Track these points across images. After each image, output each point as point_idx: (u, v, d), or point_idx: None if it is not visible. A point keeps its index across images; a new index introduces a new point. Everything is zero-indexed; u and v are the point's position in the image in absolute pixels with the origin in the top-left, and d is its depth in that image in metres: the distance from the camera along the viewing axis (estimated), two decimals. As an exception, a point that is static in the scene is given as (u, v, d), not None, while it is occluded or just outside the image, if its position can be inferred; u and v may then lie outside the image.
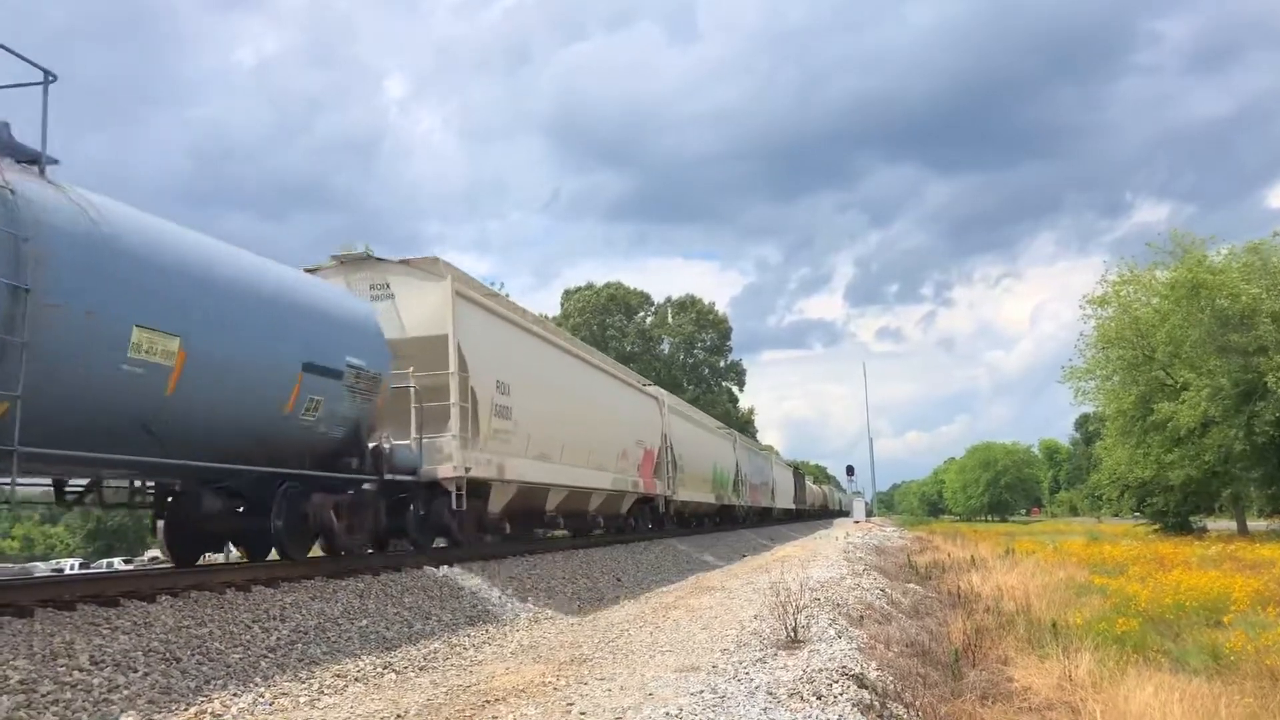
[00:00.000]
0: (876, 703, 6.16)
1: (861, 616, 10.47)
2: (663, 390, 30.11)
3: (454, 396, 13.46)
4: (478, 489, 14.53)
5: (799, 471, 76.90)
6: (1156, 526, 40.75)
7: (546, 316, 42.91)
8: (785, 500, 59.69)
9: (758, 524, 47.06)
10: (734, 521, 40.31)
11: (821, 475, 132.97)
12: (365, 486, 12.40)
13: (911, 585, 16.24)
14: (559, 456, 17.96)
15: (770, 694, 5.95)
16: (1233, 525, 39.51)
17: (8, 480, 7.04)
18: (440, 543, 15.11)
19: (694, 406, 41.34)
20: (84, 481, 10.12)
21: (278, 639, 8.26)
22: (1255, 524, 39.85)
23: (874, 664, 7.39)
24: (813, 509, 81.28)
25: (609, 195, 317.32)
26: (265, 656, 7.83)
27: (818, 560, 19.01)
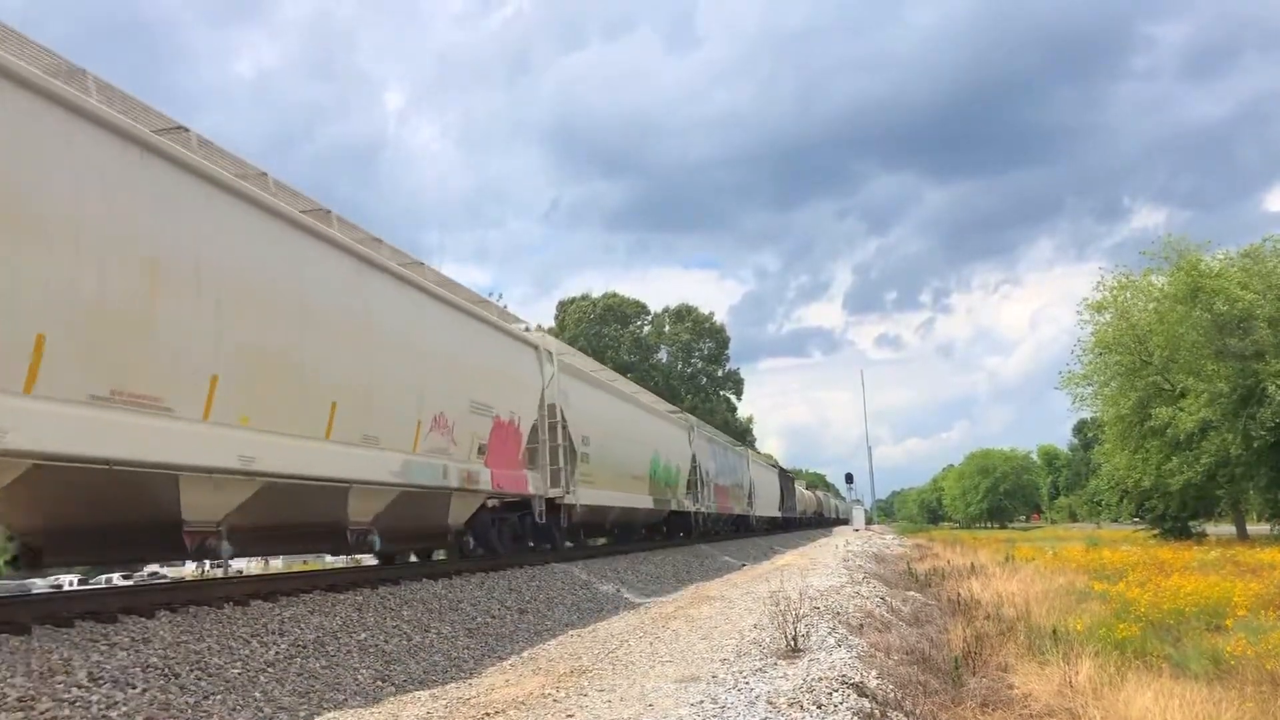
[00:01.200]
0: (877, 711, 6.15)
1: (861, 625, 10.45)
2: (553, 340, 19.91)
3: None
4: None
5: (787, 474, 67.25)
6: (1156, 531, 40.78)
7: (542, 327, 41.94)
8: (768, 507, 50.55)
9: (731, 536, 38.80)
10: (690, 533, 31.54)
11: (820, 483, 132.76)
12: None
13: (911, 593, 16.22)
14: (202, 408, 8.72)
15: (770, 704, 5.94)
16: (1232, 530, 39.54)
17: None
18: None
19: (624, 378, 30.54)
20: None
21: (276, 653, 8.24)
22: (1255, 528, 39.87)
23: (874, 672, 7.38)
24: (804, 517, 72.96)
25: (608, 203, 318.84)
26: (264, 671, 7.81)
27: (817, 569, 18.98)
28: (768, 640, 8.64)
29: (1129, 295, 36.33)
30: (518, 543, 17.74)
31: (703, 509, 32.20)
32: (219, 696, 7.02)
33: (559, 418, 18.09)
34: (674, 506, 28.15)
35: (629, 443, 23.68)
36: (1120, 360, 35.93)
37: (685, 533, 31.32)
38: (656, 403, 30.95)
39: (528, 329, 19.41)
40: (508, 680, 8.17)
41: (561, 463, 17.94)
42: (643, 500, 24.79)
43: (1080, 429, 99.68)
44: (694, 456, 31.50)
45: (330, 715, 7.06)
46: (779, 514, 55.13)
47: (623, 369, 54.47)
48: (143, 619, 7.93)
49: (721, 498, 36.35)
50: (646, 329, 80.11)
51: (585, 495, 19.54)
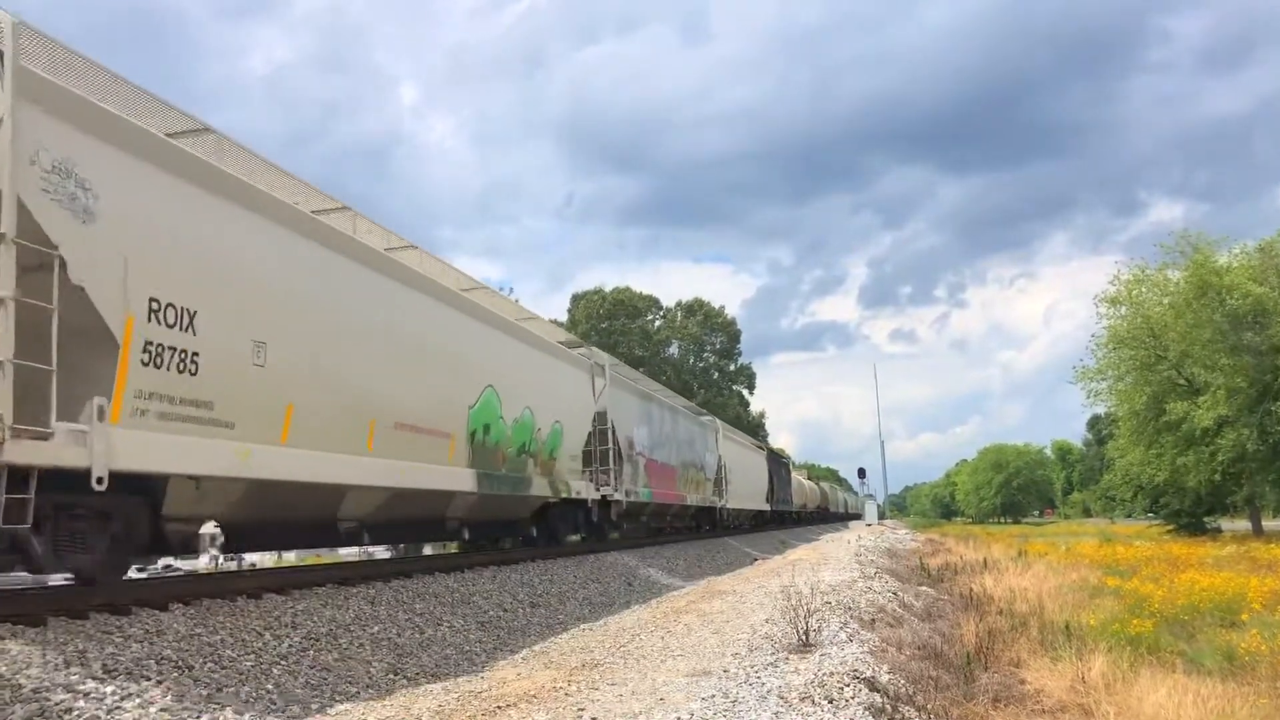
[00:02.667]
0: (888, 706, 6.14)
1: (873, 619, 10.43)
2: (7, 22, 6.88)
3: None
4: None
5: (780, 459, 55.97)
6: (1170, 527, 40.61)
7: (558, 323, 41.71)
8: (749, 497, 40.31)
9: (688, 536, 29.60)
10: (602, 535, 21.33)
11: (832, 477, 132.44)
12: None
13: (924, 588, 16.18)
14: None
15: (782, 698, 5.93)
16: (1247, 525, 39.33)
17: None
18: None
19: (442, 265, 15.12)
20: None
21: (289, 646, 8.28)
22: (1271, 524, 39.66)
23: (886, 667, 7.37)
24: (804, 512, 63.01)
25: (621, 199, 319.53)
26: (277, 663, 7.84)
27: (829, 564, 18.97)
28: (779, 635, 8.63)
29: (1144, 289, 36.13)
30: None
31: (619, 496, 20.86)
32: (232, 688, 7.06)
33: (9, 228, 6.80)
34: (545, 491, 16.82)
35: (397, 357, 11.92)
36: (1134, 355, 35.74)
37: (593, 534, 21.01)
38: (546, 334, 19.23)
39: None
40: (519, 673, 8.19)
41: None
42: (446, 477, 13.06)
43: (1094, 424, 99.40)
44: (604, 415, 20.50)
45: (343, 707, 7.08)
46: (767, 507, 45.17)
47: (634, 363, 54.24)
48: (156, 611, 7.98)
49: (662, 481, 25.24)
50: (658, 323, 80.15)
51: (152, 451, 8.00)
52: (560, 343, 19.96)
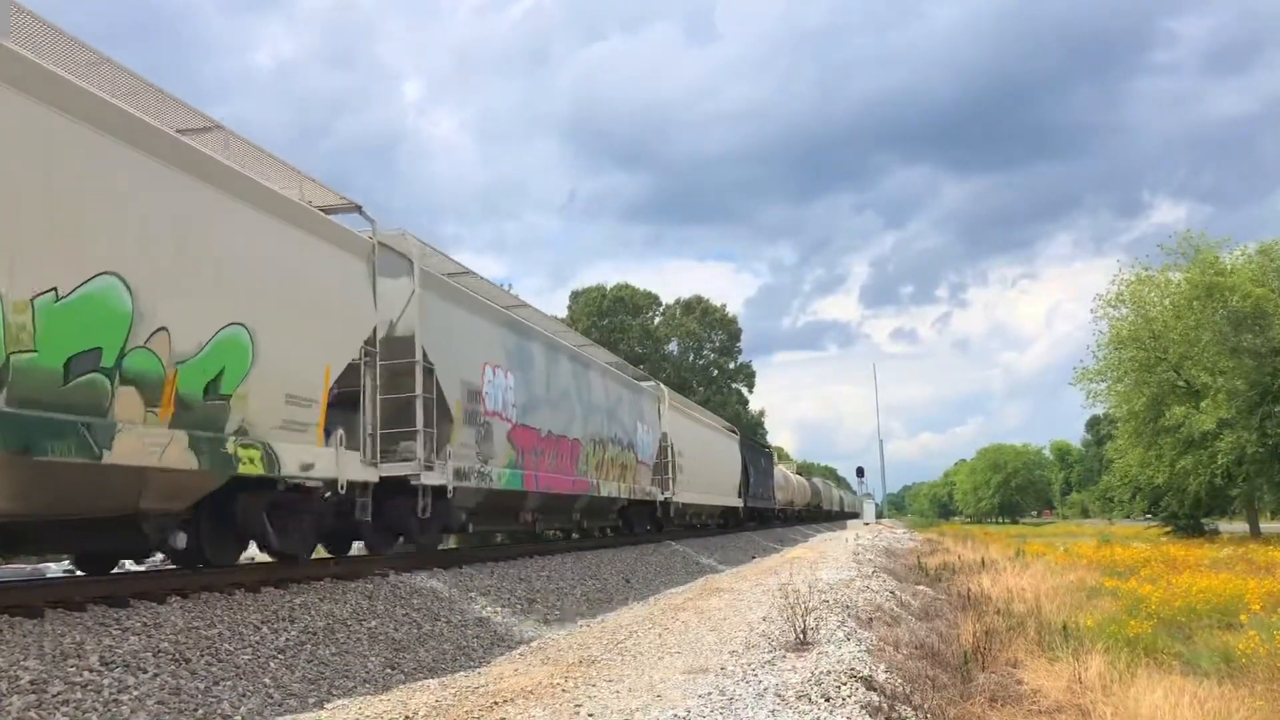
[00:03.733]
0: (885, 705, 6.14)
1: (871, 618, 10.43)
2: None
3: None
4: None
5: (760, 447, 49.41)
6: (1168, 529, 40.63)
7: (558, 318, 41.38)
8: (714, 491, 32.54)
9: (615, 539, 23.00)
10: (413, 540, 13.74)
11: (831, 475, 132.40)
12: None
13: (921, 587, 16.19)
14: None
15: (779, 696, 5.93)
16: (1245, 527, 39.37)
17: None
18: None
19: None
20: None
21: (287, 640, 8.28)
22: (1268, 525, 39.69)
23: (883, 666, 7.37)
24: (791, 510, 56.16)
25: (624, 196, 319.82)
26: (274, 657, 7.85)
27: (827, 562, 18.98)
28: (777, 633, 8.64)
29: (1145, 290, 36.10)
30: None
31: (440, 479, 13.00)
32: (229, 682, 7.06)
33: None
34: (183, 462, 8.16)
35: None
36: (1134, 356, 35.73)
37: (399, 541, 14.06)
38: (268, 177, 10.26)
39: None
40: (516, 670, 8.18)
41: None
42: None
43: (1093, 425, 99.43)
44: (411, 341, 12.70)
45: (339, 702, 7.09)
46: (739, 503, 37.18)
47: (634, 360, 54.08)
48: (154, 604, 7.98)
49: (548, 458, 17.53)
50: (658, 320, 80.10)
51: None
52: (319, 208, 11.13)
